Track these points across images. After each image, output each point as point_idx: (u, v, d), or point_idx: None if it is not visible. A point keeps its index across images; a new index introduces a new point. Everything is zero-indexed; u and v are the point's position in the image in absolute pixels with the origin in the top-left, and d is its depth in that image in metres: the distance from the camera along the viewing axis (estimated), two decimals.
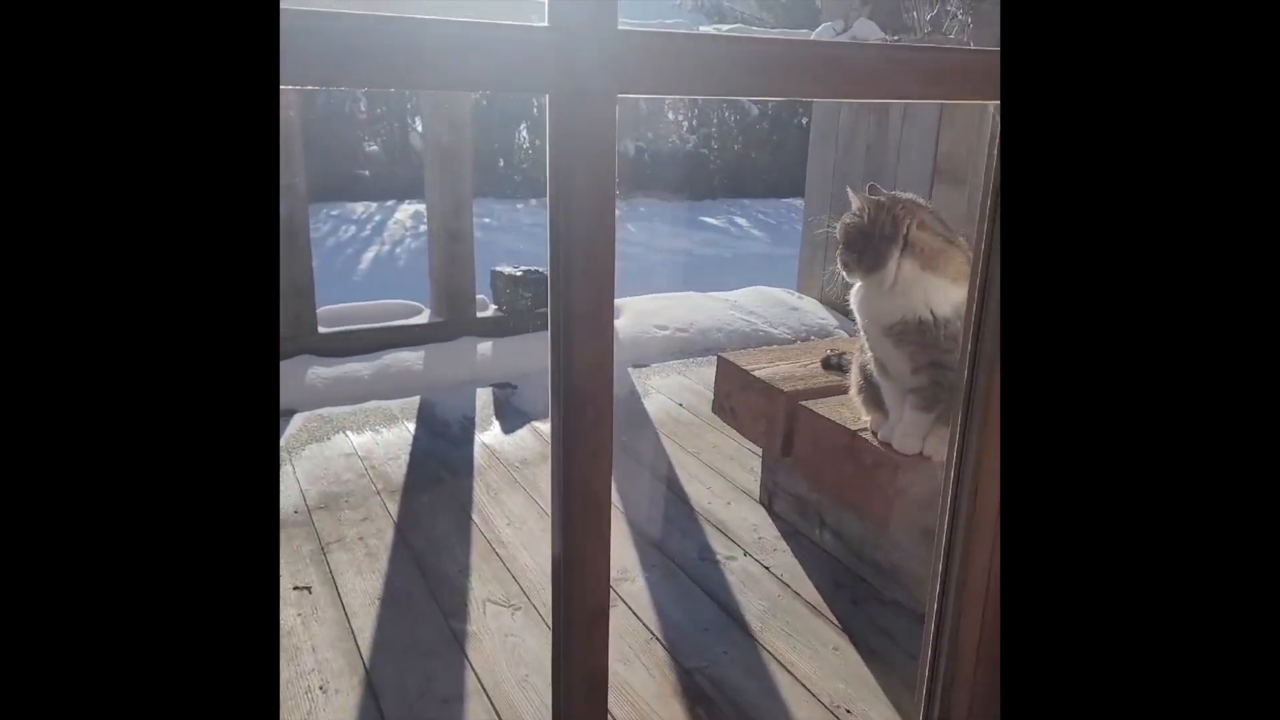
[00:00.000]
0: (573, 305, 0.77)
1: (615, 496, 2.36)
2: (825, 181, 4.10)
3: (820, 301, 4.08)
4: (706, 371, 3.23)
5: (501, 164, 9.77)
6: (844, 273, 1.51)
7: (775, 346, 3.57)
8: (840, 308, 3.99)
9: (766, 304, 3.98)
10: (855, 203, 1.49)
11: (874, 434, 1.63)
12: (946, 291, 1.44)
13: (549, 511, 2.25)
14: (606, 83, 0.74)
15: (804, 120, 9.54)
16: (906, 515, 1.57)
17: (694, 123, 9.72)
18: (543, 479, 2.42)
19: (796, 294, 4.17)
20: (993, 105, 1.04)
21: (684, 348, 3.55)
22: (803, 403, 1.79)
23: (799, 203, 7.63)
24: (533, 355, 3.24)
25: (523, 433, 2.73)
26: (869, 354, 1.59)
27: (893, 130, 3.74)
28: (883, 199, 1.45)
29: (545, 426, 2.77)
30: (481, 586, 1.91)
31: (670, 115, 9.71)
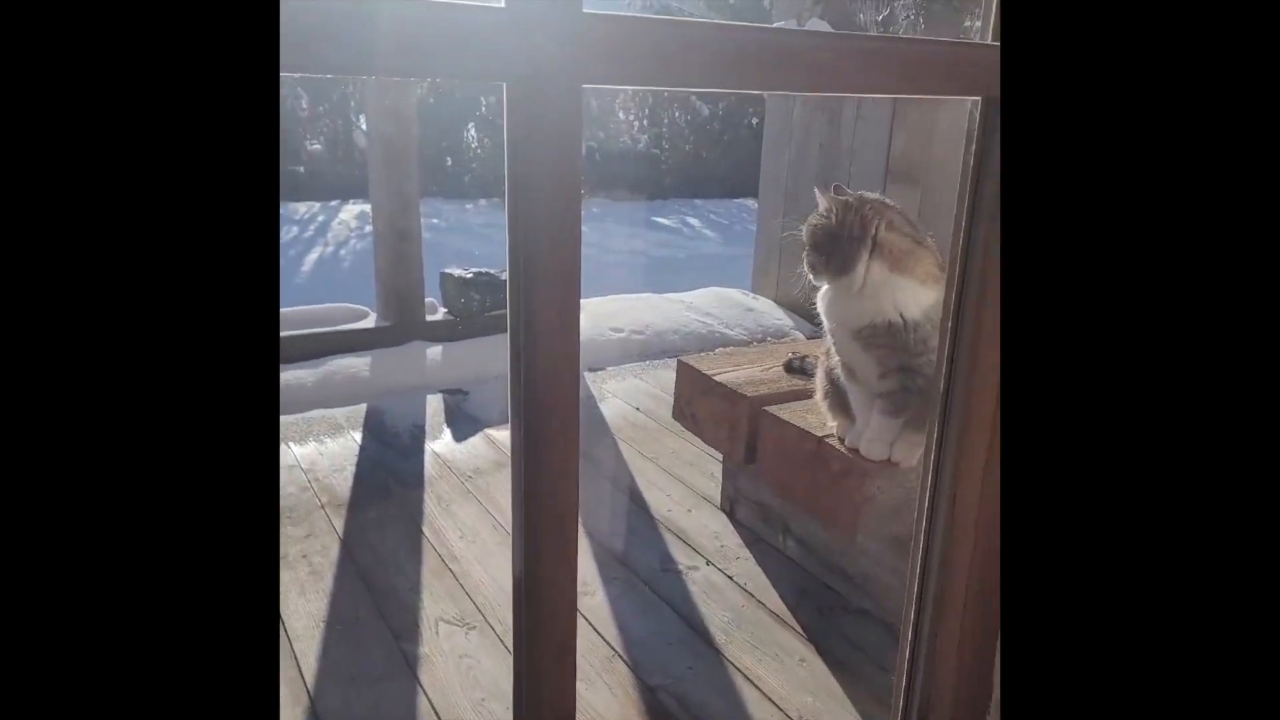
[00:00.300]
0: (535, 309, 0.70)
1: (579, 509, 2.28)
2: (779, 181, 4.08)
3: (776, 302, 4.06)
4: (664, 375, 3.18)
5: (449, 163, 9.60)
6: (811, 275, 1.46)
7: (734, 349, 3.53)
8: (796, 308, 3.98)
9: (722, 305, 3.95)
10: (822, 203, 1.44)
11: (840, 440, 1.59)
12: (916, 294, 1.40)
13: (504, 524, 2.19)
14: (569, 71, 0.67)
15: (754, 120, 9.55)
16: (875, 523, 1.53)
17: (645, 122, 9.68)
18: (496, 489, 2.33)
19: (752, 295, 4.14)
20: (971, 100, 1.01)
21: (640, 350, 3.49)
22: (766, 408, 1.74)
23: (751, 203, 7.64)
24: (485, 359, 3.15)
25: (475, 440, 2.64)
26: (835, 358, 1.55)
27: (845, 129, 3.73)
28: (850, 199, 1.41)
29: (499, 434, 2.68)
30: (433, 605, 1.82)
31: (621, 115, 9.66)
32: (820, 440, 1.60)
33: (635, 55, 0.70)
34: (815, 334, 3.84)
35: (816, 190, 1.44)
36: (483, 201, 8.78)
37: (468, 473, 2.42)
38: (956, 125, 3.20)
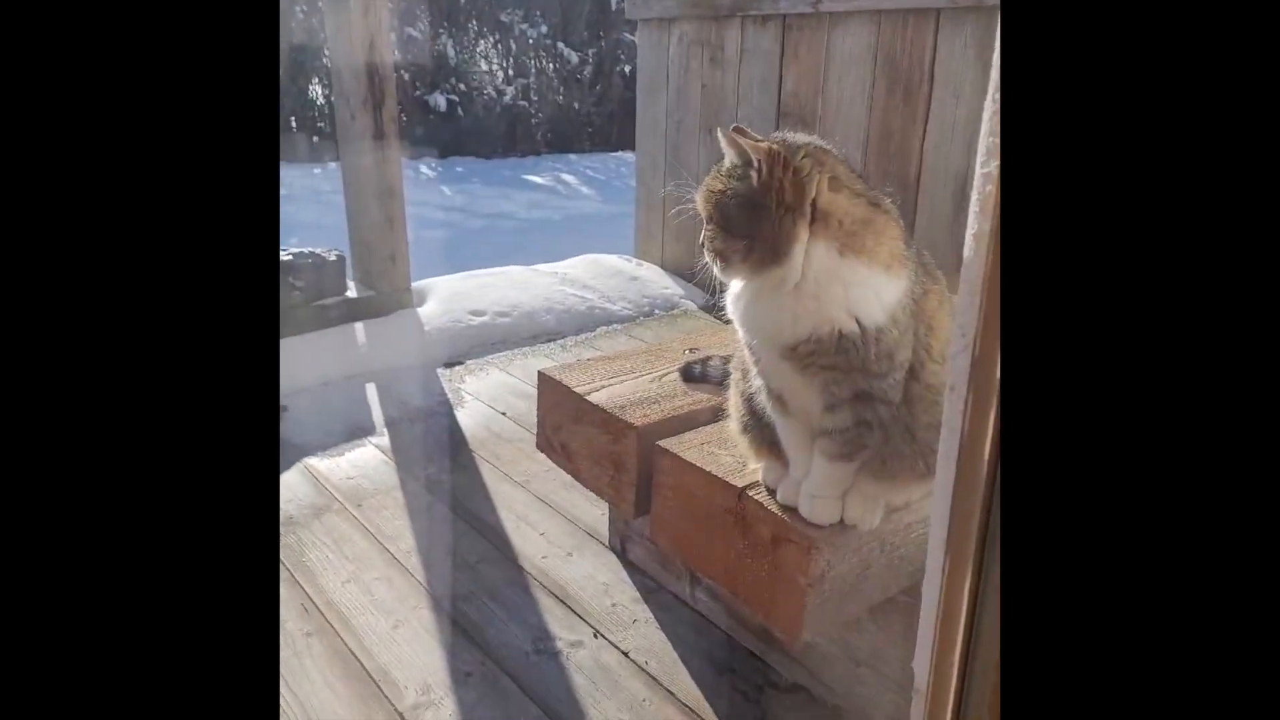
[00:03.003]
0: None
1: (415, 565, 1.76)
2: (658, 129, 3.57)
3: (662, 268, 3.58)
4: (535, 365, 2.65)
5: (294, 124, 8.62)
6: (719, 267, 0.95)
7: (612, 338, 3.03)
8: (686, 273, 3.51)
9: (602, 275, 3.43)
10: (730, 154, 0.93)
11: (769, 490, 1.12)
12: (879, 285, 0.92)
13: (331, 608, 1.62)
14: None
15: (627, 68, 8.94)
16: (827, 614, 1.07)
17: (510, 73, 8.94)
18: (315, 548, 1.77)
19: (635, 260, 3.64)
20: None
21: (507, 336, 2.94)
22: (662, 443, 1.24)
23: (630, 155, 7.10)
24: (307, 363, 2.53)
25: (290, 477, 2.05)
26: (757, 381, 1.06)
27: (729, 67, 3.24)
28: (774, 145, 0.90)
29: (322, 465, 2.10)
30: None
31: (483, 64, 8.88)
32: (741, 493, 1.12)
33: None
34: (709, 303, 3.39)
35: (719, 132, 0.93)
36: (333, 165, 7.88)
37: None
38: (854, 56, 2.74)
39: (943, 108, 2.63)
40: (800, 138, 0.97)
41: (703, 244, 0.96)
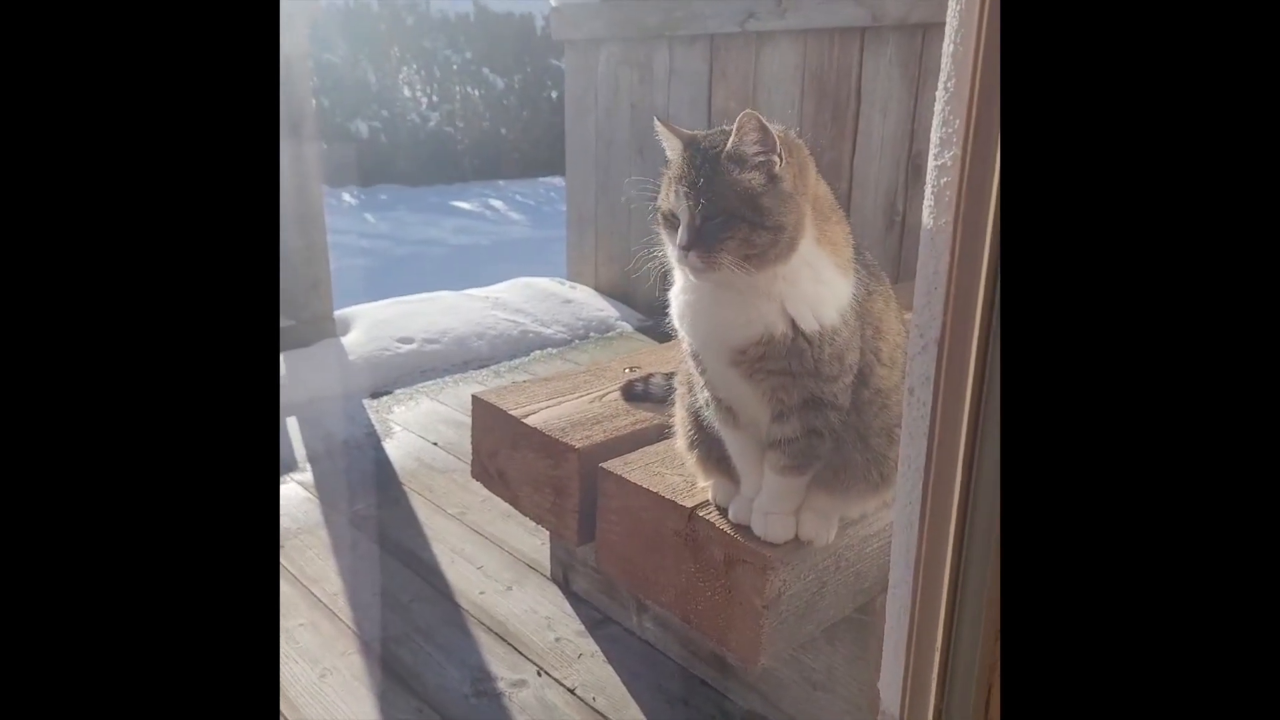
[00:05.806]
0: None
1: (343, 607, 1.65)
2: (587, 151, 3.53)
3: (596, 290, 3.52)
4: (467, 392, 2.56)
5: None
6: (703, 268, 0.84)
7: (547, 363, 2.96)
8: (621, 295, 3.46)
9: (534, 298, 3.35)
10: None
11: (720, 509, 1.06)
12: (835, 284, 0.88)
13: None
14: None
15: (553, 94, 8.92)
16: (784, 635, 1.02)
17: (434, 98, 8.83)
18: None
19: (568, 283, 3.58)
20: None
21: (436, 364, 2.83)
22: (605, 465, 1.18)
23: (558, 181, 7.06)
24: None
25: None
26: (703, 394, 1.01)
27: (659, 85, 3.23)
28: (780, 132, 0.82)
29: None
30: None
31: (406, 90, 8.75)
32: (691, 514, 1.06)
33: None
34: (646, 324, 3.34)
35: (660, 125, 0.87)
36: None
37: None
38: (782, 74, 2.75)
39: (870, 124, 2.66)
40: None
41: (676, 232, 0.86)
